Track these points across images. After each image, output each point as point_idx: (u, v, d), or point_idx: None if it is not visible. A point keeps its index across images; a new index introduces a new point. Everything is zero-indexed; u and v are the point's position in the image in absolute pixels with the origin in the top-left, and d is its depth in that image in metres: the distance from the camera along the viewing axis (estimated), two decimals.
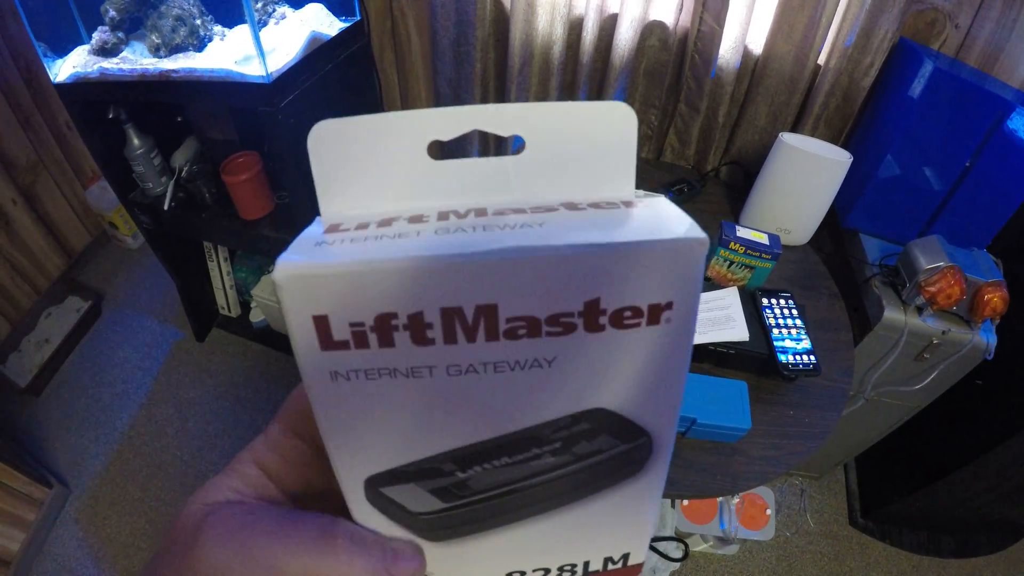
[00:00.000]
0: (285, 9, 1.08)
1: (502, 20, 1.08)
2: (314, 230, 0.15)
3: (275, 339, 1.62)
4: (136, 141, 1.25)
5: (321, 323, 0.14)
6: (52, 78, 1.09)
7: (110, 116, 1.19)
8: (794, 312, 0.91)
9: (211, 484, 0.18)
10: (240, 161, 1.22)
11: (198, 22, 1.01)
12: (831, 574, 1.29)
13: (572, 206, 0.16)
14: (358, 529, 0.17)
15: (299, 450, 0.19)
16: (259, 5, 1.03)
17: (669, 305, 0.15)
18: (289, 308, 0.14)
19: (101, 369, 1.55)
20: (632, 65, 1.11)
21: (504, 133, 0.17)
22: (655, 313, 0.15)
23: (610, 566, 0.21)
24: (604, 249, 0.14)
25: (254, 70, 0.95)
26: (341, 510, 0.18)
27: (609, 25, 1.07)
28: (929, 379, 1.06)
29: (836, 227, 1.16)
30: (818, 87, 1.07)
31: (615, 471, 0.18)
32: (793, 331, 0.88)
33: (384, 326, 0.14)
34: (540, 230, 0.14)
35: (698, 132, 1.18)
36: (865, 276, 1.07)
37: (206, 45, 1.02)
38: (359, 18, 1.14)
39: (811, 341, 0.87)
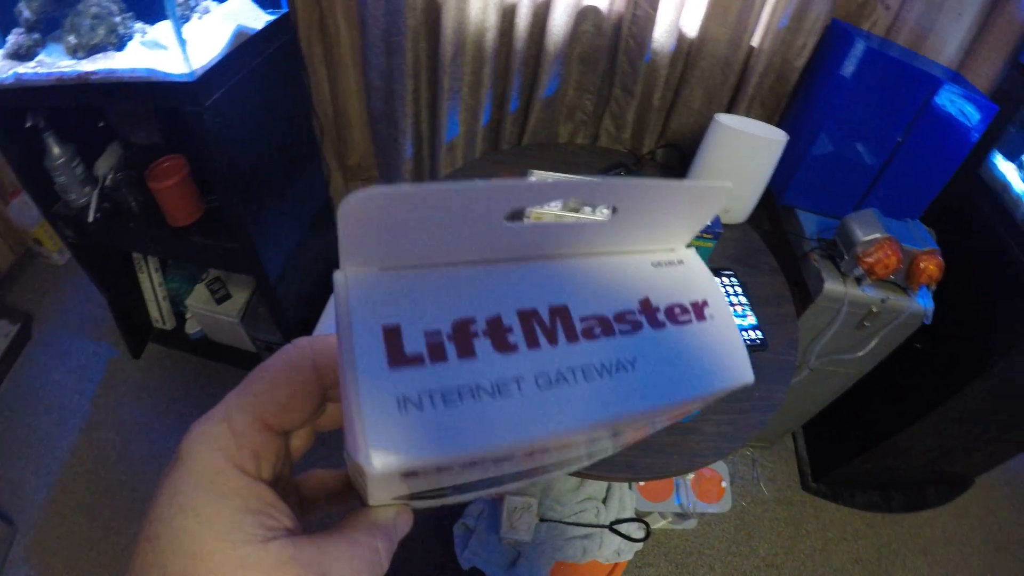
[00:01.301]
0: (208, 3, 1.02)
1: (433, 8, 1.05)
2: (368, 348, 0.13)
3: (214, 350, 1.56)
4: (56, 150, 1.17)
5: (408, 474, 0.13)
6: None
7: (28, 124, 1.11)
8: (738, 290, 0.93)
9: (206, 507, 0.16)
10: (166, 166, 1.15)
11: (117, 19, 0.94)
12: (789, 538, 1.34)
13: (652, 315, 0.17)
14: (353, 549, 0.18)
15: (271, 444, 0.18)
16: (180, 0, 0.97)
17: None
18: (377, 482, 0.14)
19: (36, 395, 1.45)
20: (567, 51, 1.10)
21: (601, 204, 0.18)
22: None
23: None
24: (680, 403, 0.16)
25: (177, 68, 0.89)
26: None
27: (543, 11, 1.06)
28: (870, 346, 1.10)
29: (773, 205, 1.19)
30: (752, 68, 1.09)
31: None
32: (737, 308, 0.90)
33: (472, 463, 0.14)
34: (633, 377, 0.15)
35: (633, 116, 1.18)
36: (804, 250, 1.10)
37: (126, 44, 0.96)
38: (286, 10, 1.09)
39: (756, 317, 0.89)
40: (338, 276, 0.14)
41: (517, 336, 0.14)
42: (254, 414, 0.18)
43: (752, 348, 0.85)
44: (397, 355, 0.13)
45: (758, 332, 0.87)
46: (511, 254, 0.16)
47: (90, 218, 1.23)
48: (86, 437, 1.39)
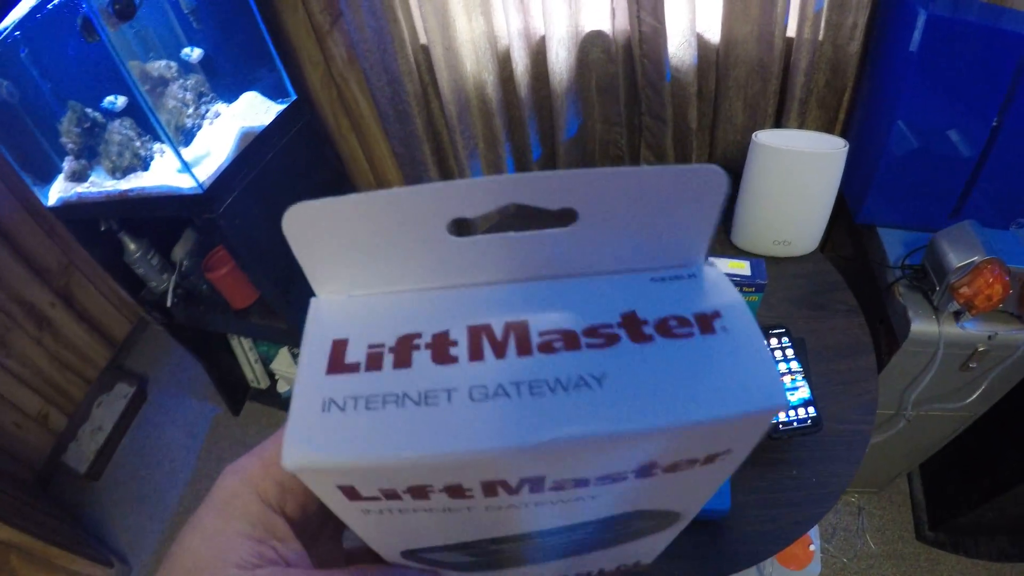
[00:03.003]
0: (219, 106, 1.07)
1: (430, 69, 1.00)
2: (313, 359, 0.13)
3: None
4: (132, 246, 1.31)
5: (347, 489, 0.13)
6: (44, 203, 1.16)
7: (103, 228, 1.25)
8: (788, 353, 0.78)
9: (214, 524, 0.17)
10: (219, 255, 1.24)
11: (137, 143, 1.02)
12: None
13: (635, 327, 0.13)
14: None
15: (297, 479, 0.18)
16: (190, 110, 1.03)
17: (728, 452, 0.14)
18: (310, 483, 0.13)
19: (150, 450, 1.67)
20: (579, 84, 1.00)
21: (552, 206, 0.13)
22: (711, 459, 0.14)
23: (621, 568, 0.23)
24: (671, 430, 0.12)
25: (186, 183, 0.95)
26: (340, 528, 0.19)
27: (541, 49, 0.96)
28: (979, 391, 0.89)
29: (850, 222, 0.99)
30: (795, 65, 0.91)
31: (640, 535, 0.19)
32: (787, 378, 0.76)
33: (420, 491, 0.13)
34: (599, 395, 0.12)
35: (671, 142, 1.04)
36: (887, 281, 0.91)
37: (150, 163, 1.04)
38: (295, 97, 1.10)
39: (810, 387, 0.75)
40: (311, 301, 0.15)
41: (460, 349, 0.13)
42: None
43: (801, 432, 0.72)
44: (336, 364, 0.13)
45: (811, 408, 0.73)
46: (474, 278, 0.15)
47: (168, 303, 1.36)
48: (193, 489, 1.56)
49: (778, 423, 0.72)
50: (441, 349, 0.13)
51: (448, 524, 0.15)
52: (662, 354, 0.13)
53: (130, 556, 1.46)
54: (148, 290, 1.42)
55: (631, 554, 0.22)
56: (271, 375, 1.70)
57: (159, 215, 1.04)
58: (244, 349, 1.65)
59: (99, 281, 1.83)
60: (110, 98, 1.00)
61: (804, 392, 0.74)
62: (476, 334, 0.13)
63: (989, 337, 0.83)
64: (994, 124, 0.82)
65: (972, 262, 0.79)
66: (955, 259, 0.80)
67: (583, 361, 0.13)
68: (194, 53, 1.05)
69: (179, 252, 1.39)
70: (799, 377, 0.76)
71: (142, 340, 1.94)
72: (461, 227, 0.14)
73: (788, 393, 0.74)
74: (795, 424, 0.72)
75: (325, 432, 0.12)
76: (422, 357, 0.13)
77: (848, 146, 0.83)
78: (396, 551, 0.17)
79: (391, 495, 0.13)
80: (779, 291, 0.90)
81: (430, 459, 0.12)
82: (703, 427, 0.12)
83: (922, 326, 0.84)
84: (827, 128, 1.01)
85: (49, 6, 0.84)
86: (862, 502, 1.26)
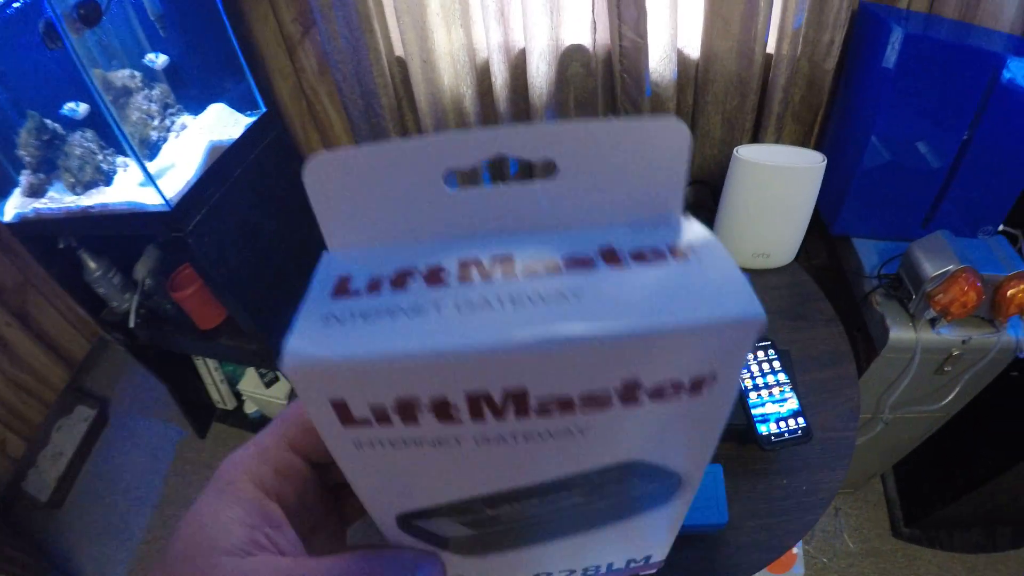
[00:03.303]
0: (185, 118, 1.02)
1: (405, 82, 0.98)
2: (320, 289, 0.15)
3: None
4: (92, 265, 1.24)
5: (339, 406, 0.14)
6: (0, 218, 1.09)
7: (61, 246, 1.18)
8: (776, 365, 0.79)
9: (216, 520, 0.16)
10: (186, 273, 1.18)
11: (99, 157, 0.97)
12: None
13: (612, 257, 0.14)
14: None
15: (296, 466, 0.19)
16: (155, 122, 0.98)
17: (713, 377, 0.14)
18: (303, 394, 0.14)
19: (114, 476, 1.58)
20: (558, 99, 0.99)
21: (534, 158, 0.15)
22: (697, 385, 0.14)
23: (632, 565, 0.22)
24: (649, 334, 0.12)
25: (152, 199, 0.90)
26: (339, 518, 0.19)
27: (520, 62, 0.96)
28: (953, 393, 0.92)
29: (825, 233, 1.02)
30: (773, 81, 0.92)
31: (642, 506, 0.18)
32: (776, 390, 0.77)
33: (406, 408, 0.13)
34: (577, 305, 0.13)
35: None
36: (864, 290, 0.93)
37: (113, 178, 0.98)
38: (264, 110, 1.07)
39: (799, 399, 0.76)
40: (323, 253, 0.16)
41: (450, 275, 0.14)
42: (281, 434, 0.19)
43: (793, 442, 0.72)
44: (340, 291, 0.14)
45: (800, 419, 0.74)
46: (466, 228, 0.16)
47: (131, 324, 1.29)
48: (159, 515, 1.49)
49: (770, 435, 0.73)
50: (434, 277, 0.14)
51: (440, 469, 0.15)
52: (638, 275, 0.14)
53: None
54: (109, 310, 1.35)
55: (639, 546, 0.21)
56: (238, 395, 1.63)
57: (123, 233, 0.99)
58: (209, 369, 1.58)
59: (56, 299, 1.73)
60: (71, 105, 0.94)
61: (793, 403, 0.75)
62: (466, 265, 0.15)
63: (963, 342, 0.85)
64: (964, 137, 0.85)
65: (947, 271, 0.82)
66: (931, 268, 0.83)
67: (563, 281, 0.14)
68: (159, 59, 1.00)
69: (141, 270, 1.32)
70: (787, 389, 0.77)
71: (101, 360, 1.84)
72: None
73: (777, 407, 0.75)
74: (786, 435, 0.72)
75: (324, 339, 0.13)
76: (416, 281, 0.14)
77: (826, 160, 0.85)
78: (392, 516, 0.17)
79: (382, 417, 0.14)
80: (761, 301, 0.92)
81: (417, 356, 0.12)
82: (680, 334, 0.12)
83: (900, 333, 0.87)
84: (802, 142, 1.03)
85: (8, 10, 0.78)
86: (839, 503, 1.29)
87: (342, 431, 0.14)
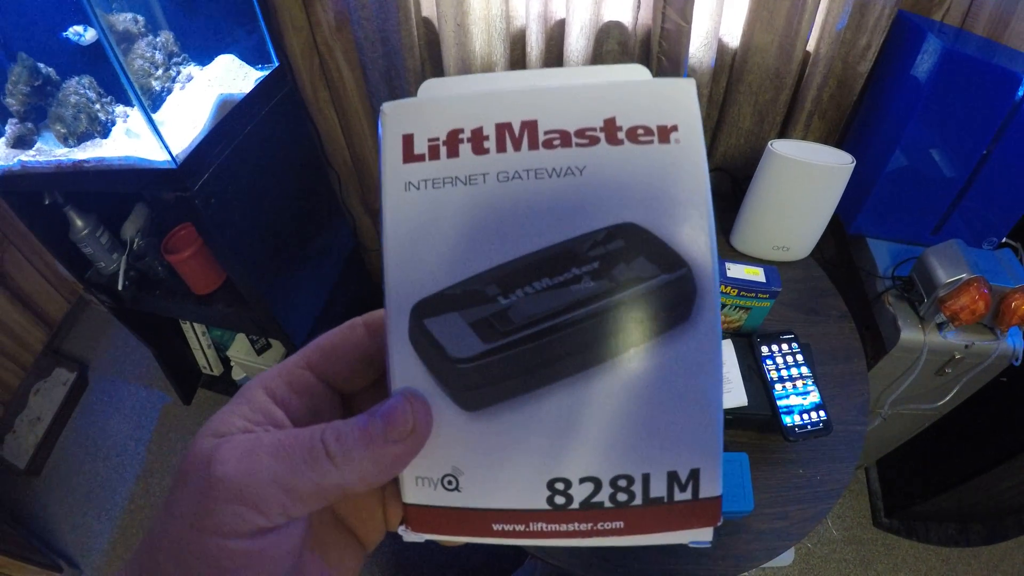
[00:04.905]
0: (191, 68, 0.95)
1: (433, 46, 0.94)
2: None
3: None
4: (79, 223, 1.16)
5: (407, 141, 0.19)
6: None
7: (47, 202, 1.10)
8: (799, 358, 0.81)
9: (220, 414, 0.18)
10: (182, 235, 1.12)
11: (97, 107, 0.89)
12: None
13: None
14: (342, 426, 0.17)
15: (308, 380, 0.20)
16: (159, 72, 0.91)
17: (675, 127, 0.18)
18: (387, 130, 0.19)
19: (95, 442, 1.52)
20: None
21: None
22: (664, 133, 0.18)
23: (677, 492, 0.18)
24: (615, 84, 0.19)
25: (156, 155, 0.84)
26: None
27: (557, 34, 0.93)
28: (951, 394, 0.96)
29: (840, 232, 1.03)
30: (808, 79, 0.92)
31: (662, 307, 0.18)
32: (799, 382, 0.79)
33: (453, 140, 0.19)
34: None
35: None
36: (876, 290, 0.95)
37: (110, 130, 0.91)
38: (277, 64, 1.01)
39: (820, 392, 0.78)
40: (383, 106, 0.20)
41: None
42: (302, 355, 0.20)
43: (814, 434, 0.74)
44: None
45: (821, 412, 0.76)
46: (505, 84, 0.20)
47: (119, 286, 1.23)
48: (143, 483, 1.44)
49: (794, 426, 0.74)
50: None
51: (465, 219, 0.18)
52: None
53: (79, 559, 1.33)
54: (95, 271, 1.27)
55: (678, 440, 0.18)
56: (225, 361, 1.58)
57: (119, 191, 0.92)
58: (196, 333, 1.52)
59: (35, 257, 1.63)
60: (76, 28, 0.86)
61: (815, 396, 0.77)
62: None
63: (966, 346, 0.89)
64: (984, 152, 0.87)
65: (960, 279, 0.85)
66: (944, 275, 0.86)
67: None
68: None
69: (130, 229, 1.25)
70: (809, 382, 0.78)
71: (81, 321, 1.75)
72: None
73: (800, 399, 0.77)
74: (808, 427, 0.74)
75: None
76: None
77: (855, 162, 0.86)
78: (407, 310, 0.19)
79: (433, 153, 0.19)
80: (778, 296, 0.93)
81: (467, 96, 0.19)
82: (634, 85, 0.19)
83: (909, 334, 0.89)
84: (825, 139, 1.04)
85: None
86: None
87: (400, 169, 0.19)
